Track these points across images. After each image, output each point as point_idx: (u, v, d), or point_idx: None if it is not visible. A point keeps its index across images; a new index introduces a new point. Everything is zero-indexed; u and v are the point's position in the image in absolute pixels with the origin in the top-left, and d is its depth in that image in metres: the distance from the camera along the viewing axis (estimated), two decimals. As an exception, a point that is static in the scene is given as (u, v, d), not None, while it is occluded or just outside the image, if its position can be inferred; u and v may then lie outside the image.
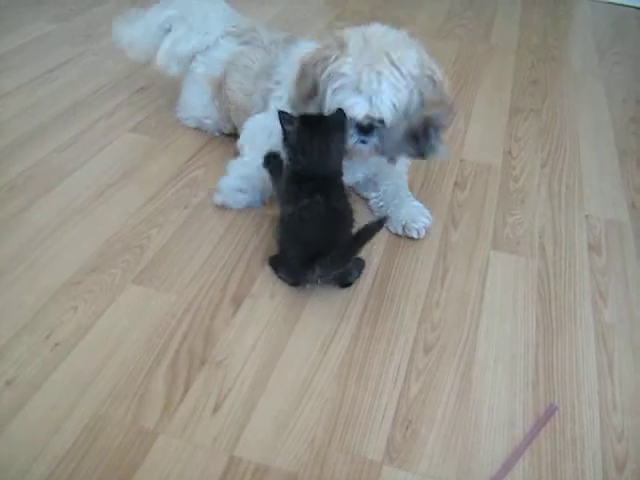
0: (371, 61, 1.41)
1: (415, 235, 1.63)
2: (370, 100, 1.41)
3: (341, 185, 1.47)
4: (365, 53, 1.42)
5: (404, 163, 1.75)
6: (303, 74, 1.51)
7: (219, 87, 1.87)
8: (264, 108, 1.72)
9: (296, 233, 1.42)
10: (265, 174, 1.55)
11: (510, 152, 2.05)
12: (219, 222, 1.64)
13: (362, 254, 1.50)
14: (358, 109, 1.42)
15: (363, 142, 1.48)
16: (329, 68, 1.44)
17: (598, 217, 1.78)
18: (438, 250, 1.61)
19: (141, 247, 1.54)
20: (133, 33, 1.96)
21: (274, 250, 1.50)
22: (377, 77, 1.41)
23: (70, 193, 1.70)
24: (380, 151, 1.51)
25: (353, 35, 1.46)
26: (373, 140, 1.48)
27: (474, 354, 1.35)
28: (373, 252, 1.58)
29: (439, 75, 1.49)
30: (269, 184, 1.56)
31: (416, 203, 1.68)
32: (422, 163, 1.91)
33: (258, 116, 1.72)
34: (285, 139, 1.44)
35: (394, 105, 1.43)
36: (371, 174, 1.70)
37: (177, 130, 2.00)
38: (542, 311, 1.47)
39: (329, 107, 1.45)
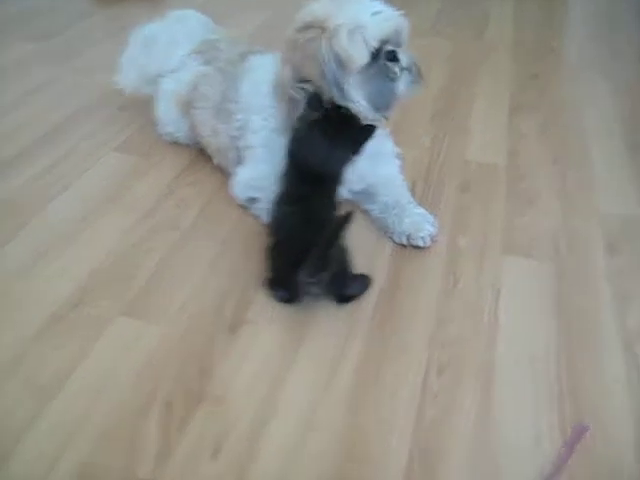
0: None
1: (421, 244, 1.53)
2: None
3: (333, 193, 1.39)
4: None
5: (395, 161, 1.67)
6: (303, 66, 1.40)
7: (187, 106, 1.77)
8: (240, 160, 1.62)
9: (280, 240, 1.35)
10: None
11: (514, 150, 1.95)
12: (210, 244, 1.54)
13: (366, 268, 1.41)
14: (399, 19, 1.39)
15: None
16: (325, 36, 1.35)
17: (613, 214, 1.67)
18: (446, 259, 1.51)
19: (129, 275, 1.44)
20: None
21: (268, 272, 1.39)
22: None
23: (52, 220, 1.61)
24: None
25: (317, 8, 1.39)
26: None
27: (492, 371, 1.25)
28: (377, 265, 1.48)
29: None
30: None
31: (419, 210, 1.58)
32: (422, 166, 1.82)
33: (246, 170, 1.61)
34: (298, 123, 1.38)
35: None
36: (368, 185, 1.60)
37: (162, 147, 1.90)
38: (561, 319, 1.36)
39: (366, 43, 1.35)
